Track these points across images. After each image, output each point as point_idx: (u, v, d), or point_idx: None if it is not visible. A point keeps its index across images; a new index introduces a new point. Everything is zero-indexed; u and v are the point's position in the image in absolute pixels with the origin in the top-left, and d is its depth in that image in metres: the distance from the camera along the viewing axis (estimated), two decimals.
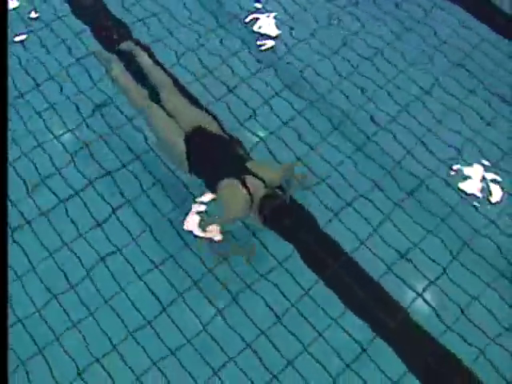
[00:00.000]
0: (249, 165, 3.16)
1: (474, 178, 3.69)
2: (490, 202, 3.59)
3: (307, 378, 3.03)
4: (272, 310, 3.21)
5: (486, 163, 3.75)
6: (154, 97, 3.53)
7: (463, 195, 3.62)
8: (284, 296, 3.26)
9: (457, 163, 3.75)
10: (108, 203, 3.58)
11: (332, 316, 3.20)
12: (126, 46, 3.96)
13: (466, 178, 3.69)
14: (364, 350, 3.10)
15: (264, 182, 3.09)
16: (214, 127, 3.37)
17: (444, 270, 3.36)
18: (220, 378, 3.03)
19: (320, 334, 3.15)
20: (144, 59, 3.78)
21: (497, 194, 3.63)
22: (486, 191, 3.64)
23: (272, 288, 3.28)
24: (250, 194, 3.03)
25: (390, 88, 4.12)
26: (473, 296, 3.29)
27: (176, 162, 3.40)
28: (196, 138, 3.27)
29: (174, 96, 3.54)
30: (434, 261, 3.39)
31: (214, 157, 3.22)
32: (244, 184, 3.05)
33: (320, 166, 3.72)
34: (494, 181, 3.69)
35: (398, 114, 3.99)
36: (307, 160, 3.74)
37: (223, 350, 3.10)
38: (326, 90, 4.08)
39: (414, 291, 3.29)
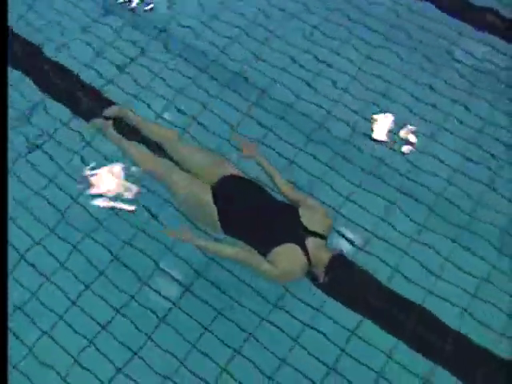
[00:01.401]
0: (302, 219, 2.82)
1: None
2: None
3: None
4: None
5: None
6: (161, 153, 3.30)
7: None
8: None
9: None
10: None
11: None
12: (110, 111, 3.62)
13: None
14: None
15: (324, 237, 2.83)
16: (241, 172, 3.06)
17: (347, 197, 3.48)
18: None
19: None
20: (133, 118, 3.54)
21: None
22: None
23: None
24: (308, 258, 2.75)
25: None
26: (379, 216, 3.40)
27: (206, 225, 3.00)
28: (227, 191, 2.92)
29: (180, 145, 3.25)
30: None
31: (255, 213, 2.86)
32: (304, 248, 2.75)
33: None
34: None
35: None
36: None
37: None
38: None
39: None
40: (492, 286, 3.18)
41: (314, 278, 2.89)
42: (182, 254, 3.24)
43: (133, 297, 3.14)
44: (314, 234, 2.78)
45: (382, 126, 3.77)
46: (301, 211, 2.84)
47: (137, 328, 3.06)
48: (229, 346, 3.01)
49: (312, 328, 3.06)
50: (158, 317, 3.10)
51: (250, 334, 3.04)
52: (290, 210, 2.86)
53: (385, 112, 3.82)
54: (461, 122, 3.81)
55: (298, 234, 2.77)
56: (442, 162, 3.64)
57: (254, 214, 2.85)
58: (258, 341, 3.02)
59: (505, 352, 2.99)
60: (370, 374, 2.94)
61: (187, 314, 3.09)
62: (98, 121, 3.59)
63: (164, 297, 3.15)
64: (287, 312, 3.10)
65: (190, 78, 3.93)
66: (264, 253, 2.75)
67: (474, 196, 3.49)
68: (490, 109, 3.85)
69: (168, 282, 3.18)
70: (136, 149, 3.30)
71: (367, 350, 3.00)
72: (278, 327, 3.06)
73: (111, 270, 3.21)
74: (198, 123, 3.73)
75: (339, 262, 2.75)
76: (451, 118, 3.82)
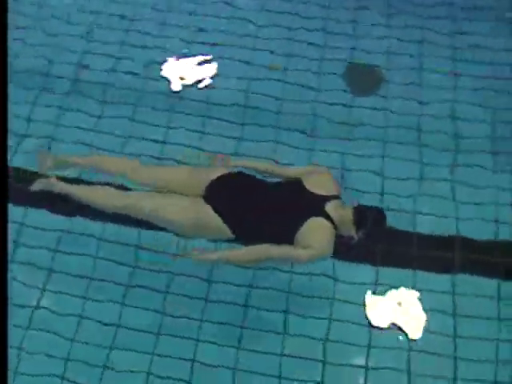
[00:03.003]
0: (310, 189, 2.67)
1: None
2: None
3: None
4: None
5: None
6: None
7: None
8: None
9: None
10: None
11: None
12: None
13: None
14: None
15: (338, 197, 2.70)
16: (219, 170, 2.81)
17: None
18: None
19: None
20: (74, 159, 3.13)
21: None
22: None
23: None
24: (334, 224, 2.61)
25: None
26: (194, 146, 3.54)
27: (216, 236, 2.77)
28: (221, 195, 2.70)
29: (141, 170, 2.94)
30: None
31: (260, 204, 2.67)
32: (326, 216, 2.60)
33: None
34: None
35: None
36: None
37: None
38: None
39: None
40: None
41: (347, 243, 2.73)
42: None
43: None
44: (328, 198, 2.67)
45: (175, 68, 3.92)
46: (305, 182, 2.71)
47: None
48: None
49: None
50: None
51: None
52: (294, 186, 2.73)
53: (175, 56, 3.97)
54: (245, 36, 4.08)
55: (312, 205, 2.64)
56: (235, 78, 3.86)
57: (260, 205, 2.68)
58: None
59: None
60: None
61: None
62: (42, 182, 3.05)
63: None
64: None
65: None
66: (288, 240, 2.60)
67: (280, 96, 3.77)
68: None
69: None
70: (105, 191, 2.93)
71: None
72: None
73: None
74: None
75: (364, 212, 2.65)
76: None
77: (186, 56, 3.96)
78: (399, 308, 3.00)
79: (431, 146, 3.55)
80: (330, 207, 2.63)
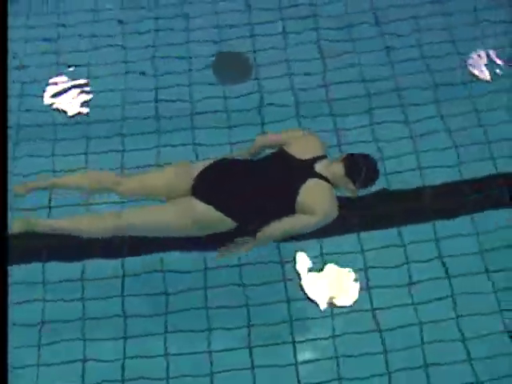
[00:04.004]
0: (295, 155, 2.66)
1: None
2: None
3: None
4: None
5: None
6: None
7: None
8: None
9: None
10: None
11: None
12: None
13: None
14: None
15: (325, 156, 2.69)
16: (201, 164, 2.75)
17: None
18: None
19: None
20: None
21: None
22: None
23: None
24: (329, 182, 2.61)
25: None
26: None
27: (218, 229, 2.67)
28: (210, 186, 2.64)
29: (124, 181, 2.83)
30: None
31: (251, 185, 2.64)
32: (319, 176, 2.60)
33: None
34: None
35: None
36: None
37: None
38: None
39: None
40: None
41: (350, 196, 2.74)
42: None
43: None
44: (316, 160, 2.67)
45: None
46: (288, 149, 2.69)
47: None
48: None
49: None
50: None
51: None
52: (279, 156, 2.72)
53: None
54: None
55: (302, 171, 2.63)
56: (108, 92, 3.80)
57: (251, 185, 2.64)
58: None
59: None
60: None
61: None
62: (20, 222, 2.78)
63: None
64: None
65: None
66: (290, 211, 2.58)
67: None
68: None
69: None
70: (91, 217, 2.81)
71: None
72: None
73: None
74: None
75: (354, 161, 2.65)
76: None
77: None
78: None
79: (309, 116, 3.62)
80: (319, 167, 2.66)
